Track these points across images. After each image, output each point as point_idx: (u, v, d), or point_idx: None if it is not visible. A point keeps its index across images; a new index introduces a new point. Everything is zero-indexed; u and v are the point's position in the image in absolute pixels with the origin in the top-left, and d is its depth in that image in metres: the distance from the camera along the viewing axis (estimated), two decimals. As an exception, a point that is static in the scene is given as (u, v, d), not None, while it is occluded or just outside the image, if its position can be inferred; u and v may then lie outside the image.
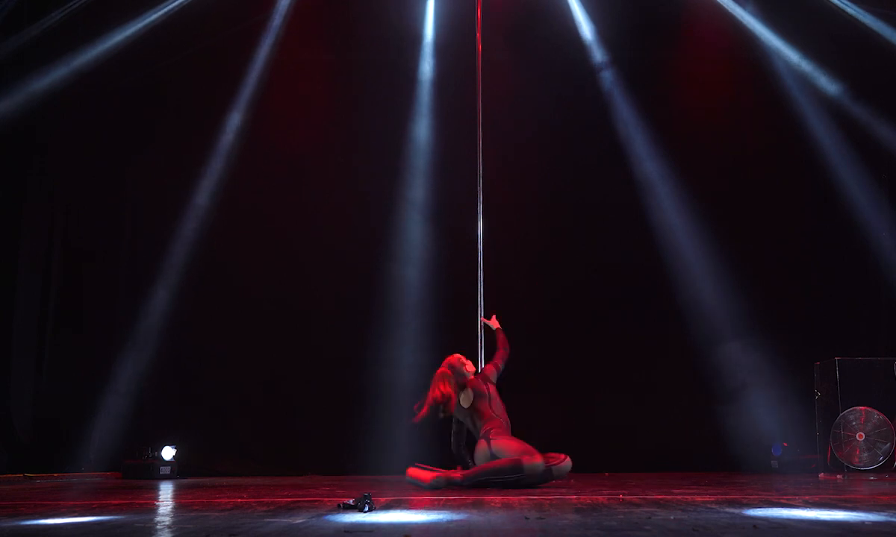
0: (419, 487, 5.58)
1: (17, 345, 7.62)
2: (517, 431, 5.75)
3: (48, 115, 7.73)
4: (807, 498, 4.46)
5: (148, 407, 7.60)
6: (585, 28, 8.13)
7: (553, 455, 5.52)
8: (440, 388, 5.82)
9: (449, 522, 3.41)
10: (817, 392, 6.99)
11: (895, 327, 7.88)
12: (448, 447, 6.11)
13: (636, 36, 8.14)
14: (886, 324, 7.92)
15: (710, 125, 8.21)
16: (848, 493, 4.87)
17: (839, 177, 7.87)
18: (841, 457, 6.71)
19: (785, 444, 7.31)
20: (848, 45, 7.92)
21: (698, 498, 4.40)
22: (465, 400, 5.80)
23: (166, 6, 7.68)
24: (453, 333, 7.02)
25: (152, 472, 6.97)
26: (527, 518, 3.52)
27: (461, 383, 5.83)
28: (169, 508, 4.25)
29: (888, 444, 6.64)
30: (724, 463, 7.42)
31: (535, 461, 5.39)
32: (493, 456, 5.52)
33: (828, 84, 7.95)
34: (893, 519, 3.41)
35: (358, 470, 7.27)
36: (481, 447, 5.63)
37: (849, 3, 7.76)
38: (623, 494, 4.66)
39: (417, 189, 7.90)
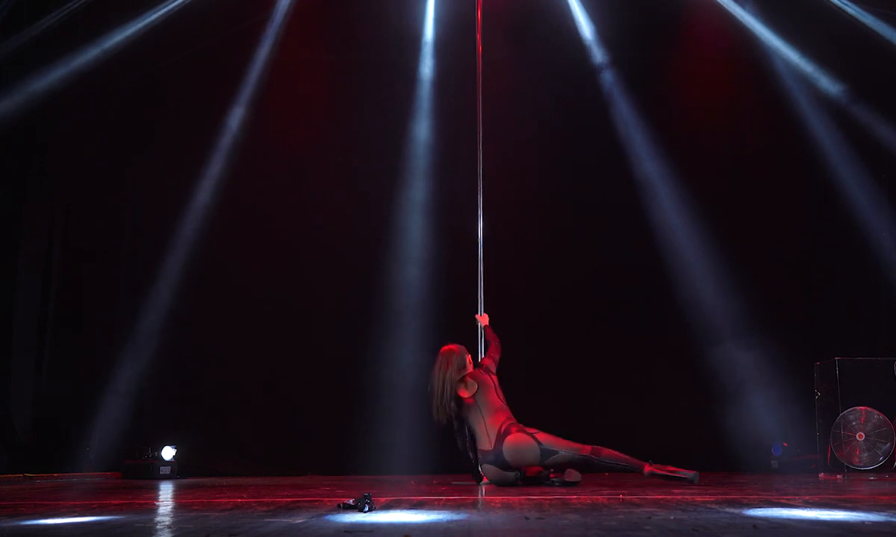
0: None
1: (17, 345, 7.62)
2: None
3: (48, 115, 7.73)
4: (807, 498, 4.46)
5: (148, 407, 7.60)
6: (585, 28, 8.13)
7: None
8: (443, 366, 5.75)
9: (449, 522, 3.41)
10: (817, 392, 6.99)
11: (895, 327, 7.87)
12: (453, 445, 6.08)
13: (636, 36, 8.14)
14: (886, 324, 7.92)
15: (710, 125, 8.21)
16: (848, 493, 4.87)
17: (839, 177, 7.87)
18: (841, 457, 6.71)
19: (785, 444, 7.31)
20: (848, 45, 7.92)
21: (698, 498, 4.40)
22: (469, 389, 5.75)
23: (166, 6, 7.68)
24: (453, 333, 6.99)
25: (152, 472, 6.97)
26: (527, 518, 3.52)
27: (461, 375, 5.78)
28: (169, 508, 4.25)
29: (888, 444, 6.65)
30: (724, 463, 7.41)
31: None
32: (546, 452, 5.42)
33: (828, 84, 7.95)
34: (893, 519, 3.40)
35: (358, 470, 7.27)
36: (524, 442, 5.46)
37: (849, 3, 7.76)
38: (623, 494, 4.66)
39: (417, 189, 7.90)
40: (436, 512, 3.83)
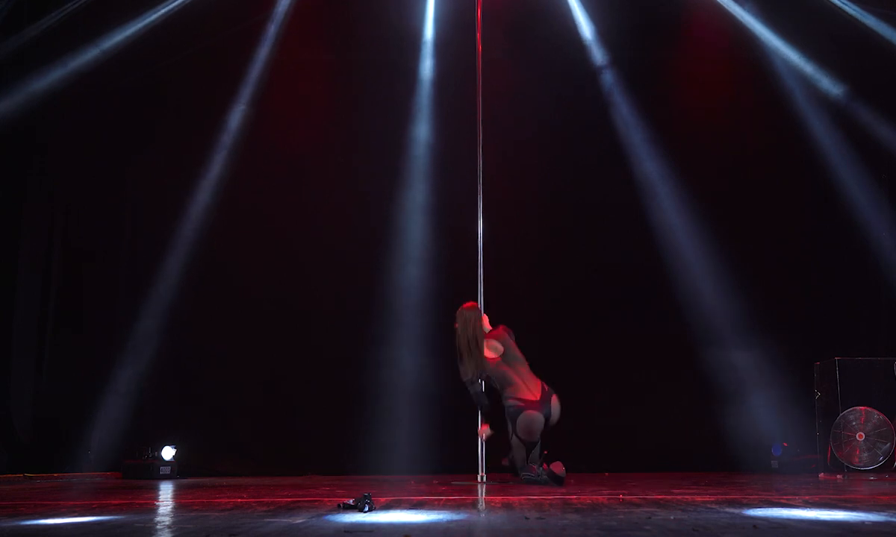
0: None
1: (17, 345, 7.62)
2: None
3: (48, 115, 7.73)
4: (807, 498, 4.46)
5: (148, 407, 7.60)
6: (585, 28, 8.12)
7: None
8: (472, 322, 5.97)
9: (449, 522, 3.41)
10: (817, 392, 6.99)
11: (895, 327, 7.87)
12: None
13: (636, 36, 8.13)
14: (886, 324, 7.91)
15: (710, 125, 8.21)
16: (848, 493, 4.87)
17: (839, 177, 7.87)
18: (841, 457, 6.71)
19: (785, 444, 7.31)
20: (848, 45, 7.91)
21: (698, 498, 4.40)
22: (495, 351, 5.96)
23: (166, 6, 7.67)
24: (453, 336, 7.01)
25: (152, 472, 6.97)
26: (527, 518, 3.52)
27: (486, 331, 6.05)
28: (169, 508, 4.25)
29: (888, 444, 6.65)
30: (724, 463, 7.42)
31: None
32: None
33: (828, 84, 7.94)
34: (893, 519, 3.41)
35: (358, 470, 7.27)
36: (559, 407, 5.86)
37: (849, 4, 7.75)
38: (623, 494, 4.66)
39: (417, 189, 7.90)
40: (436, 512, 3.83)
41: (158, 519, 3.70)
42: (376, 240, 7.79)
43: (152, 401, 7.62)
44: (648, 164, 7.97)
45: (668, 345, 7.75)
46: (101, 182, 7.99)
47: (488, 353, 5.96)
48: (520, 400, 5.84)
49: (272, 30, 7.96)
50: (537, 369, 6.65)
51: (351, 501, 3.94)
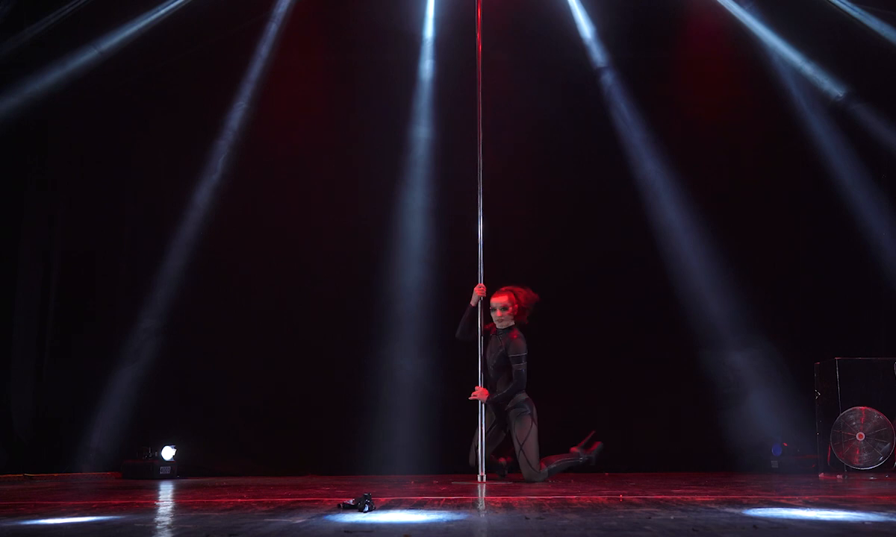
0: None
1: (17, 345, 7.61)
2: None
3: (48, 115, 7.74)
4: (807, 498, 4.46)
5: (148, 407, 7.58)
6: (585, 28, 8.12)
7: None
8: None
9: (449, 522, 3.41)
10: (817, 392, 6.99)
11: (895, 327, 7.87)
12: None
13: (636, 36, 8.13)
14: (886, 324, 7.91)
15: (710, 125, 8.20)
16: (848, 493, 4.87)
17: (839, 177, 7.86)
18: (841, 457, 6.71)
19: (785, 444, 7.31)
20: (848, 44, 7.91)
21: (698, 498, 4.40)
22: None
23: (167, 6, 7.67)
24: (453, 335, 7.02)
25: (152, 472, 6.97)
26: (527, 518, 3.52)
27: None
28: (169, 508, 4.25)
29: (888, 444, 6.65)
30: (724, 463, 7.42)
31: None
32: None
33: (828, 85, 7.94)
34: (893, 519, 3.41)
35: (358, 470, 7.27)
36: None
37: (848, 3, 7.75)
38: (623, 494, 4.67)
39: (418, 189, 7.90)
40: (436, 512, 3.83)
41: (158, 519, 3.70)
42: (376, 240, 7.79)
43: (152, 401, 7.61)
44: (649, 165, 7.97)
45: (667, 345, 7.75)
46: (101, 182, 7.98)
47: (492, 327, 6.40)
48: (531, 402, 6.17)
49: (272, 30, 7.96)
50: (537, 369, 6.68)
51: (351, 501, 3.94)
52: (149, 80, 7.97)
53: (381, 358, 7.52)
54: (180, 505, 4.42)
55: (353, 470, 7.28)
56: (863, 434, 6.69)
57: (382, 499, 4.43)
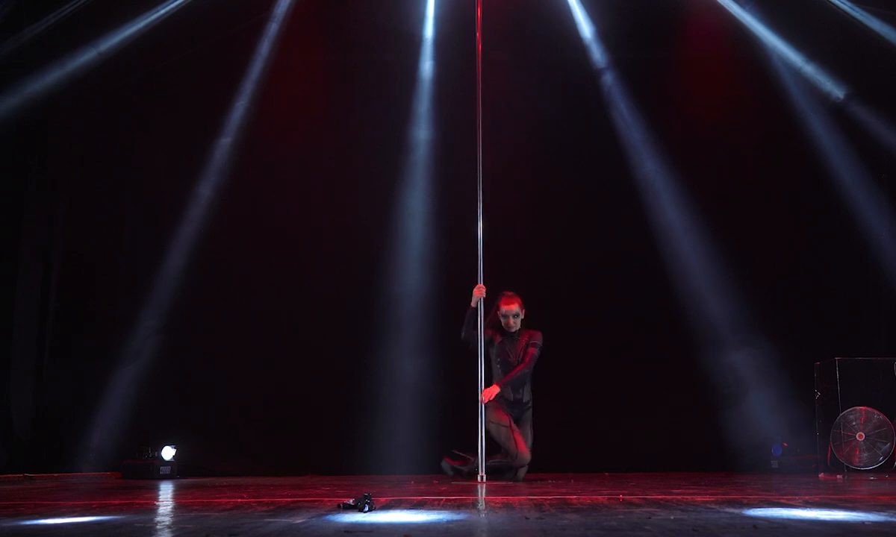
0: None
1: (17, 345, 7.62)
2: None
3: (48, 114, 7.73)
4: (807, 498, 4.46)
5: (148, 407, 7.59)
6: (585, 28, 8.12)
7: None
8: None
9: (449, 522, 3.41)
10: (817, 392, 6.99)
11: (895, 327, 7.87)
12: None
13: (636, 36, 8.12)
14: (886, 324, 7.91)
15: (710, 125, 8.20)
16: (848, 493, 4.87)
17: (839, 177, 7.86)
18: (841, 457, 6.71)
19: (785, 444, 7.31)
20: (848, 44, 7.91)
21: (698, 498, 4.40)
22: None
23: (167, 6, 7.67)
24: (453, 335, 7.02)
25: (152, 472, 6.97)
26: (527, 518, 3.52)
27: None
28: (169, 508, 4.25)
29: (888, 444, 6.65)
30: (724, 463, 7.42)
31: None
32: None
33: (829, 85, 7.94)
34: (893, 519, 3.41)
35: (358, 470, 7.27)
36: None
37: (848, 3, 7.75)
38: (623, 494, 4.67)
39: (418, 189, 7.89)
40: (436, 512, 3.83)
41: (158, 519, 3.70)
42: (376, 240, 7.79)
43: (152, 401, 7.61)
44: (649, 165, 7.97)
45: (667, 345, 7.75)
46: (101, 182, 7.99)
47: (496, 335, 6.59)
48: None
49: (272, 30, 7.95)
50: (537, 368, 6.71)
51: (351, 501, 3.94)
52: (149, 80, 7.96)
53: (381, 358, 7.51)
54: (180, 505, 4.42)
55: (353, 470, 7.28)
56: (863, 434, 6.69)
57: (382, 499, 4.43)
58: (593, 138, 8.09)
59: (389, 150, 7.96)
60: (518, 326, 6.50)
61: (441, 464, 6.62)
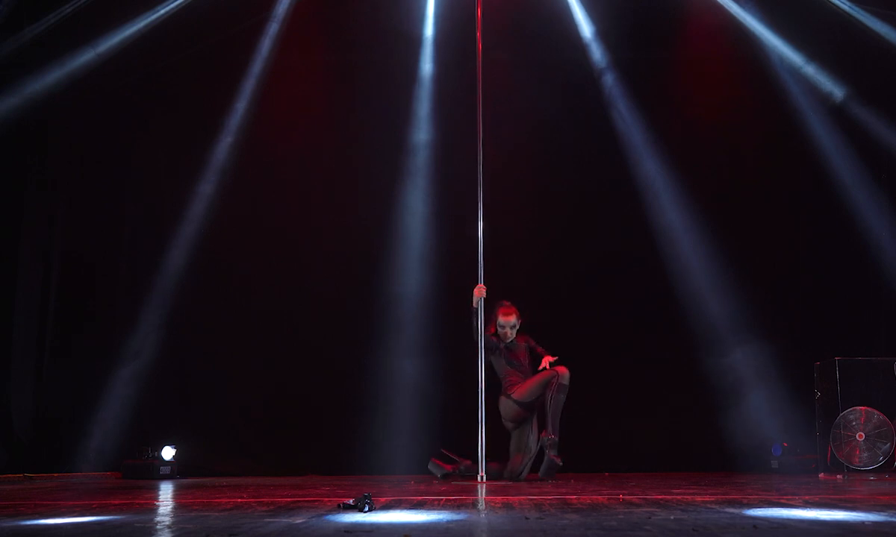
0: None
1: (17, 345, 7.61)
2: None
3: (48, 114, 7.73)
4: (807, 498, 4.46)
5: (148, 407, 7.59)
6: (585, 28, 8.11)
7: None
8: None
9: (449, 522, 3.41)
10: (817, 392, 6.99)
11: (895, 327, 7.87)
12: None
13: (636, 36, 8.12)
14: (886, 324, 7.91)
15: (710, 125, 8.20)
16: (848, 493, 4.87)
17: (839, 177, 7.86)
18: (841, 457, 6.71)
19: (785, 444, 7.31)
20: (848, 44, 7.91)
21: (698, 498, 4.40)
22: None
23: (167, 6, 7.67)
24: (453, 335, 7.03)
25: (152, 472, 6.97)
26: (527, 518, 3.52)
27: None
28: (169, 508, 4.25)
29: (888, 444, 6.65)
30: (724, 463, 7.42)
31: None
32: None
33: (829, 85, 7.94)
34: (893, 519, 3.41)
35: (358, 470, 7.27)
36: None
37: (848, 3, 7.75)
38: (623, 494, 4.67)
39: (418, 189, 7.89)
40: (436, 512, 3.83)
41: (158, 519, 3.70)
42: (376, 240, 7.79)
43: (152, 401, 7.61)
44: (649, 164, 7.97)
45: (667, 345, 7.75)
46: (101, 182, 7.98)
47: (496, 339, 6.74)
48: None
49: (272, 30, 7.95)
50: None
51: (351, 501, 3.94)
52: (149, 80, 7.96)
53: (381, 358, 7.51)
54: (180, 505, 4.42)
55: (353, 470, 7.28)
56: (863, 434, 6.69)
57: (382, 499, 4.43)
58: (593, 138, 8.09)
59: (389, 150, 7.96)
60: (513, 335, 6.66)
61: (428, 466, 6.66)
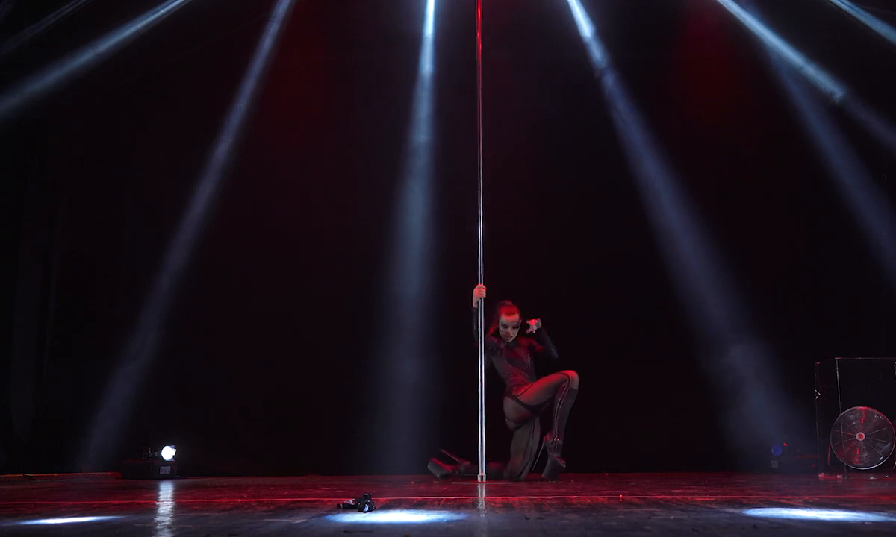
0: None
1: (17, 345, 7.61)
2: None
3: (48, 114, 7.73)
4: (807, 498, 4.46)
5: (148, 407, 7.59)
6: (585, 28, 8.11)
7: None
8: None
9: (449, 522, 3.41)
10: (817, 392, 6.99)
11: (895, 327, 7.87)
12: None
13: (636, 36, 8.12)
14: (886, 324, 7.91)
15: (710, 125, 8.20)
16: (848, 493, 4.87)
17: (839, 177, 7.86)
18: (841, 457, 6.71)
19: (785, 444, 7.31)
20: (848, 44, 7.91)
21: (698, 498, 4.40)
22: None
23: (167, 6, 7.67)
24: (453, 335, 7.03)
25: (152, 472, 6.97)
26: (527, 518, 3.52)
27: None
28: (169, 508, 4.25)
29: (888, 444, 6.64)
30: (724, 463, 7.42)
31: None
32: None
33: (829, 85, 7.94)
34: (893, 519, 3.41)
35: (358, 470, 7.27)
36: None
37: (848, 3, 7.75)
38: (623, 494, 4.67)
39: (418, 189, 7.90)
40: (436, 512, 3.83)
41: (158, 519, 3.70)
42: (376, 240, 7.79)
43: (152, 400, 7.61)
44: (649, 164, 7.97)
45: (667, 345, 7.75)
46: (101, 182, 7.98)
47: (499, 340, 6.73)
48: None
49: (272, 30, 7.95)
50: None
51: (351, 501, 3.94)
52: (149, 80, 7.96)
53: (381, 358, 7.51)
54: (180, 505, 4.42)
55: (353, 470, 7.28)
56: (863, 434, 6.69)
57: (382, 499, 4.43)
58: (593, 138, 8.09)
59: (389, 150, 7.96)
60: (516, 335, 6.67)
61: (428, 466, 6.65)
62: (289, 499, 4.53)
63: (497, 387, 6.59)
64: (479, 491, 5.32)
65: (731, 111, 8.18)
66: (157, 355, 7.60)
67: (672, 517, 3.47)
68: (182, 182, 7.82)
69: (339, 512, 3.78)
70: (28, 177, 7.91)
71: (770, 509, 3.83)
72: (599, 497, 4.53)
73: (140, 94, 8.04)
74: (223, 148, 7.86)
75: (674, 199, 7.87)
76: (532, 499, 4.43)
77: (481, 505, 4.21)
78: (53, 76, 7.43)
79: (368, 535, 3.03)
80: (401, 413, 7.38)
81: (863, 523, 3.30)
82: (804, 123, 7.98)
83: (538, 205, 8.04)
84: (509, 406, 6.51)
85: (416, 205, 7.88)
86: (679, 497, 4.50)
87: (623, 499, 4.34)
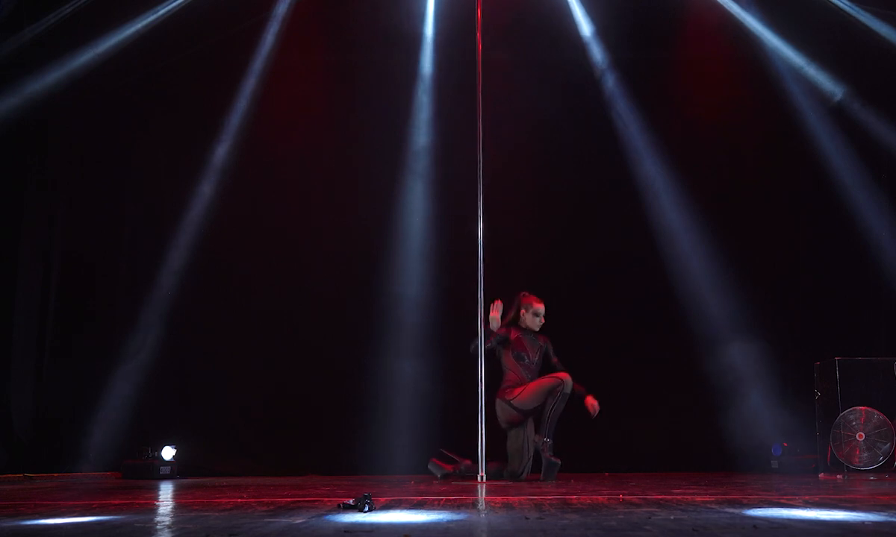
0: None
1: (17, 345, 7.61)
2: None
3: (48, 114, 7.73)
4: (807, 498, 4.46)
5: (148, 407, 7.59)
6: (585, 27, 8.11)
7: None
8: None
9: (449, 522, 3.41)
10: (817, 392, 6.99)
11: (895, 327, 7.87)
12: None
13: (636, 36, 8.12)
14: (886, 324, 7.91)
15: (710, 125, 8.20)
16: (848, 493, 4.87)
17: (839, 177, 7.86)
18: (841, 457, 6.71)
19: (785, 444, 7.31)
20: (848, 44, 7.91)
21: (698, 498, 4.40)
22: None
23: (167, 6, 7.67)
24: (453, 335, 7.03)
25: (152, 472, 6.97)
26: (527, 518, 3.52)
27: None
28: (169, 508, 4.25)
29: (888, 444, 6.64)
30: (723, 463, 7.42)
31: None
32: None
33: (829, 86, 7.94)
34: (893, 519, 3.41)
35: (358, 470, 7.27)
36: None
37: (848, 3, 7.75)
38: (623, 494, 4.67)
39: (417, 189, 7.90)
40: (436, 512, 3.83)
41: (158, 519, 3.70)
42: (376, 240, 7.79)
43: (152, 400, 7.61)
44: (649, 164, 7.97)
45: (667, 345, 7.75)
46: (101, 182, 7.98)
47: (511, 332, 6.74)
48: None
49: (272, 30, 7.95)
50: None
51: (351, 501, 3.94)
52: (149, 80, 7.96)
53: (381, 358, 7.51)
54: (180, 505, 4.43)
55: (353, 470, 7.29)
56: (863, 434, 6.69)
57: (382, 499, 4.43)
58: (593, 138, 8.09)
59: (389, 150, 7.96)
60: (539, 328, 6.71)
61: (428, 466, 6.66)
62: (289, 499, 4.53)
63: (497, 388, 6.58)
64: (479, 491, 5.32)
65: (731, 111, 8.18)
66: (157, 355, 7.60)
67: (672, 517, 3.47)
68: (182, 182, 7.81)
69: (339, 512, 3.78)
70: (28, 177, 7.90)
71: (770, 509, 3.83)
72: (599, 497, 4.53)
73: (140, 94, 8.04)
74: (223, 148, 7.86)
75: (674, 199, 7.87)
76: (532, 499, 4.43)
77: (481, 505, 4.21)
78: (53, 76, 7.43)
79: (368, 535, 3.03)
80: (401, 413, 7.38)
81: (863, 523, 3.30)
82: (804, 123, 7.97)
83: (538, 205, 8.04)
84: (501, 408, 6.49)
85: (416, 205, 7.88)
86: (679, 497, 4.50)
87: (623, 499, 4.34)
